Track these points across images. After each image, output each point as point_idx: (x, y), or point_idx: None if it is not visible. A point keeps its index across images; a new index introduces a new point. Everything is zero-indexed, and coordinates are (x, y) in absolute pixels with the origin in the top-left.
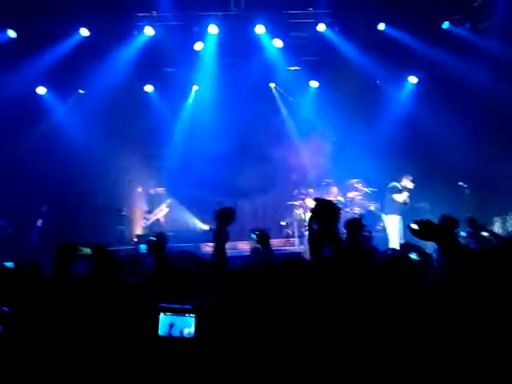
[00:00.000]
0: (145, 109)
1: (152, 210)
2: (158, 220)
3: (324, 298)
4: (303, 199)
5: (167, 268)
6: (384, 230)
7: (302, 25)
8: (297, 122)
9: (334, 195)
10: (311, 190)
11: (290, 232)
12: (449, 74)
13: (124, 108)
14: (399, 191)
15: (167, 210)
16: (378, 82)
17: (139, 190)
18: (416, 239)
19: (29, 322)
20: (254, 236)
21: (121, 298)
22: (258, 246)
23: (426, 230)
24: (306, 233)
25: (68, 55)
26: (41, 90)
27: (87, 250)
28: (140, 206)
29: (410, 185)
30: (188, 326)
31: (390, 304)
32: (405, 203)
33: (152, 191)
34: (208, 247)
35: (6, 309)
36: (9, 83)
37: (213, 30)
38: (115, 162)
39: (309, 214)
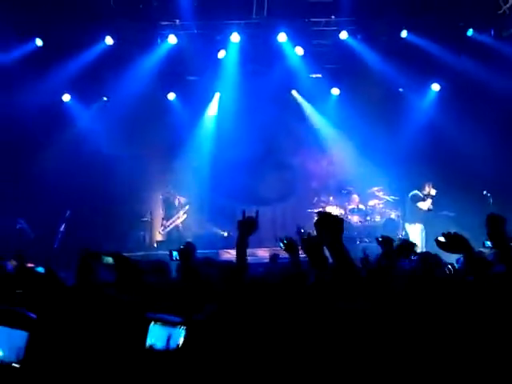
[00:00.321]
0: (167, 116)
1: (170, 217)
2: (176, 226)
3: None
4: (323, 207)
5: (195, 275)
6: (405, 238)
7: (324, 32)
8: (318, 128)
9: (355, 203)
10: (331, 198)
11: None
12: (472, 82)
13: (147, 115)
14: (422, 199)
15: (185, 216)
16: (400, 89)
17: (160, 196)
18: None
19: (53, 330)
20: (281, 244)
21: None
22: (277, 253)
23: (453, 242)
24: None
25: (93, 63)
26: (66, 98)
27: (109, 260)
28: (160, 212)
29: (433, 191)
30: (178, 338)
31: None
32: (429, 210)
33: (171, 197)
34: (227, 253)
35: (32, 315)
36: (35, 90)
37: (235, 38)
38: (137, 168)
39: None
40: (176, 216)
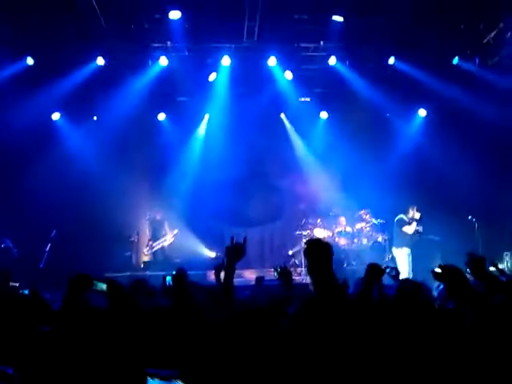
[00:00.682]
0: (156, 137)
1: (157, 238)
2: (162, 247)
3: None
4: (311, 229)
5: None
6: (392, 261)
7: (313, 57)
8: (306, 151)
9: (342, 226)
10: (319, 220)
11: (297, 262)
12: (458, 108)
13: (136, 136)
14: (407, 223)
15: (173, 239)
16: (387, 114)
17: (147, 216)
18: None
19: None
20: (275, 273)
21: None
22: (263, 275)
23: (449, 274)
24: None
25: (83, 83)
26: (55, 116)
27: (102, 286)
28: (147, 233)
29: (417, 215)
30: None
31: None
32: (417, 233)
33: (158, 218)
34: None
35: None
36: (25, 109)
37: (225, 61)
38: (125, 188)
39: None
40: (163, 238)
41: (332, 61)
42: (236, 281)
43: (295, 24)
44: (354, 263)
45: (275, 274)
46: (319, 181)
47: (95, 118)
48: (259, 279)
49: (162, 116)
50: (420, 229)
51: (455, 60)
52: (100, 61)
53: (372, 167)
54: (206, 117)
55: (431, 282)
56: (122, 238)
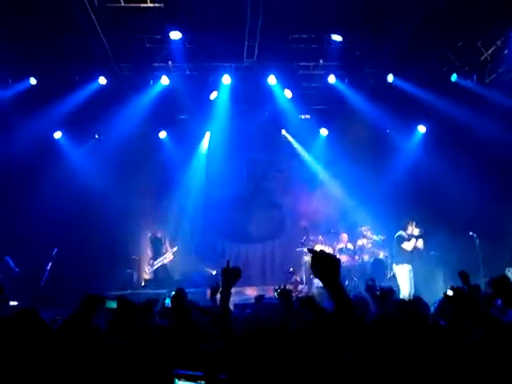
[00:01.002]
0: (158, 155)
1: (158, 256)
2: (163, 265)
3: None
4: (312, 246)
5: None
6: (394, 278)
7: (312, 76)
8: (307, 168)
9: (343, 242)
10: (320, 237)
11: (298, 278)
12: (457, 125)
13: (138, 154)
14: (407, 239)
15: (173, 257)
16: (387, 131)
17: (148, 234)
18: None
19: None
20: (275, 293)
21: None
22: (263, 294)
23: (461, 298)
24: (315, 280)
25: (86, 102)
26: (57, 135)
27: (112, 304)
28: (148, 251)
29: (416, 231)
30: None
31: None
32: (415, 249)
33: (159, 236)
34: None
35: None
36: (28, 128)
37: (226, 80)
38: (126, 206)
39: None
40: (164, 256)
41: (331, 79)
42: (237, 298)
43: (294, 43)
44: (355, 279)
45: (275, 294)
46: (320, 197)
47: (97, 136)
48: (259, 298)
49: (163, 134)
50: (419, 244)
51: (453, 77)
52: (102, 80)
53: (372, 183)
54: (207, 134)
55: (432, 298)
56: (123, 255)
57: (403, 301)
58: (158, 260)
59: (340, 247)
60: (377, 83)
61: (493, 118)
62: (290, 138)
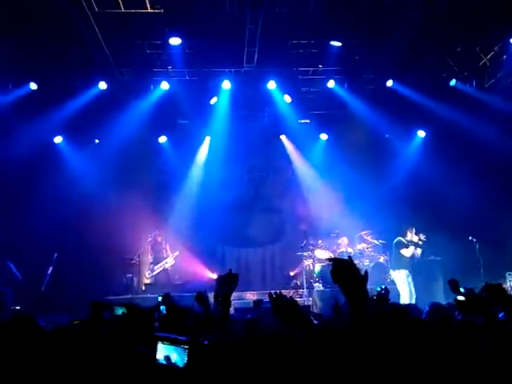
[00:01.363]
0: (158, 159)
1: (158, 260)
2: (164, 270)
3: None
4: (312, 250)
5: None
6: (393, 282)
7: (312, 81)
8: (306, 173)
9: (344, 246)
10: (320, 241)
11: (298, 283)
12: (456, 129)
13: (138, 158)
14: (405, 246)
15: (174, 262)
16: (387, 135)
17: (148, 239)
18: None
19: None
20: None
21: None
22: (261, 298)
23: (473, 303)
24: (315, 284)
25: (86, 107)
26: (58, 139)
27: (120, 310)
28: (148, 255)
29: (415, 238)
30: (182, 356)
31: None
32: (413, 256)
33: (159, 240)
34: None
35: None
36: (28, 133)
37: (226, 85)
38: (127, 210)
39: (318, 265)
40: (164, 261)
41: (331, 84)
42: (237, 302)
43: (294, 48)
44: None
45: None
46: (320, 202)
47: (97, 141)
48: (257, 303)
49: (163, 139)
50: (418, 252)
51: (452, 82)
52: (102, 85)
53: (372, 188)
54: (207, 139)
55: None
56: (123, 260)
57: (397, 304)
58: (159, 264)
59: (340, 251)
60: (376, 88)
61: (492, 123)
62: (289, 143)
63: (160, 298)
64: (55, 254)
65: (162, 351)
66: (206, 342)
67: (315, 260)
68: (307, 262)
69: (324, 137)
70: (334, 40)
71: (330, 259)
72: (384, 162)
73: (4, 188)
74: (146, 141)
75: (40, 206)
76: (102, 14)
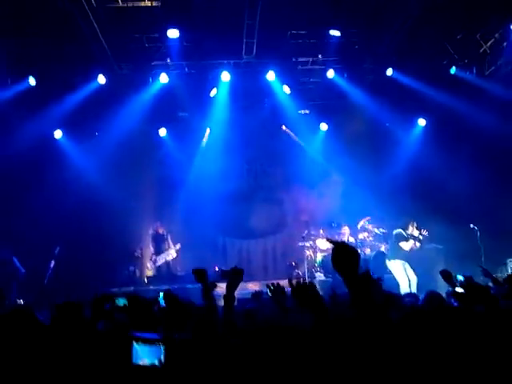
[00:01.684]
0: (158, 152)
1: (160, 252)
2: (166, 262)
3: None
4: (314, 240)
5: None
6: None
7: (311, 71)
8: (307, 163)
9: (345, 236)
10: (322, 231)
11: (299, 273)
12: (457, 117)
13: (138, 151)
14: (405, 239)
15: (175, 254)
16: (387, 124)
17: (150, 231)
18: None
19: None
20: (268, 291)
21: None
22: (261, 290)
23: (473, 293)
24: (317, 274)
25: (85, 101)
26: (58, 134)
27: (122, 301)
28: (150, 247)
29: (416, 232)
30: (158, 355)
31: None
32: (411, 250)
33: (161, 233)
34: (218, 288)
35: None
36: (28, 128)
37: (225, 76)
38: (128, 203)
39: (319, 255)
40: (167, 253)
41: (330, 74)
42: (238, 293)
43: (293, 39)
44: None
45: (268, 292)
46: (321, 192)
47: (97, 134)
48: (257, 294)
49: (163, 131)
50: (417, 245)
51: (452, 70)
52: (101, 79)
53: (373, 177)
54: (207, 131)
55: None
56: (125, 252)
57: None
58: (161, 256)
59: (342, 241)
60: (376, 77)
61: (492, 110)
62: (289, 132)
63: (162, 295)
64: (57, 248)
65: (138, 352)
66: (181, 338)
67: (317, 250)
68: (308, 252)
69: (324, 127)
70: (332, 29)
71: (330, 241)
72: (384, 151)
73: (5, 182)
74: (147, 134)
75: (42, 199)
76: (101, 9)
